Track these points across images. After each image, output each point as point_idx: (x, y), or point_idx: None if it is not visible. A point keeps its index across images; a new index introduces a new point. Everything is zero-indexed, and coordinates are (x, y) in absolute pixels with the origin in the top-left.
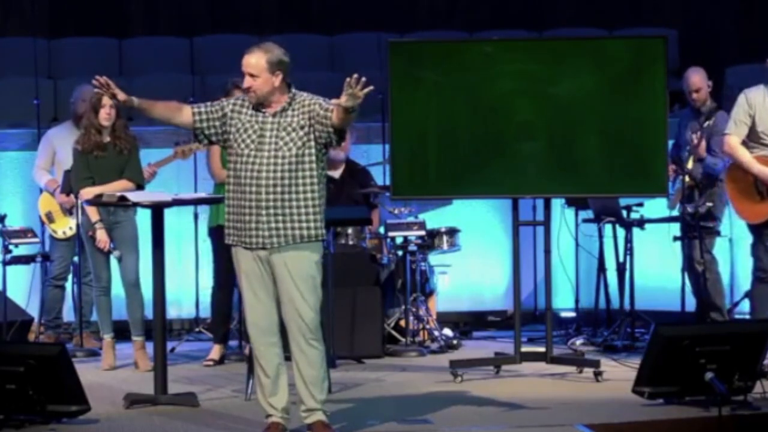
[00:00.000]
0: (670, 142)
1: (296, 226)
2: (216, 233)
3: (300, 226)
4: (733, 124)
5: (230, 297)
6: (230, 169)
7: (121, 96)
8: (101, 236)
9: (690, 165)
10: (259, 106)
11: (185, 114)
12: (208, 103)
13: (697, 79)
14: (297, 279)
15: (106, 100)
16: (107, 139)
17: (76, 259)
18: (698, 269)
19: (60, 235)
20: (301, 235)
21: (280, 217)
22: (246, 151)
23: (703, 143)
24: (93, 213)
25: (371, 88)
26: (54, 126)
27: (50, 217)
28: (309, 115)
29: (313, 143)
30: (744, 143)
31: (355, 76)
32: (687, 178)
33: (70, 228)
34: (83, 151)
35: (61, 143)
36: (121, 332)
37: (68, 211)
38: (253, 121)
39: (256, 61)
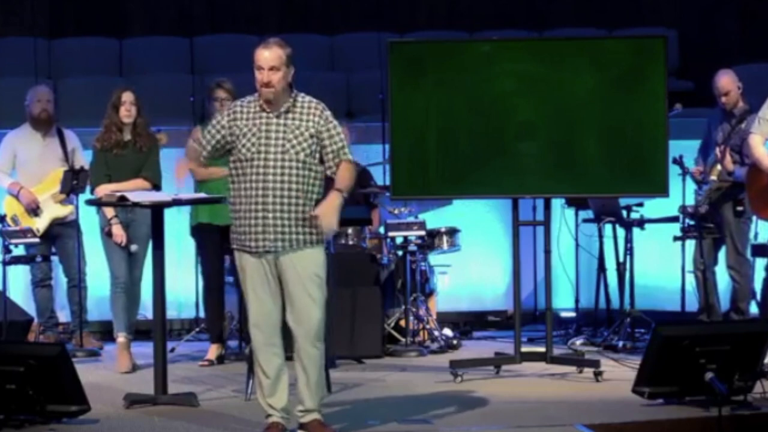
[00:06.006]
0: (671, 143)
1: (301, 231)
2: (198, 231)
3: (304, 231)
4: (757, 122)
5: (221, 297)
6: (235, 174)
7: None
8: (117, 231)
9: (714, 176)
10: (266, 104)
11: (203, 160)
12: (211, 132)
13: (726, 81)
14: (306, 280)
15: (126, 97)
16: (128, 137)
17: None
18: (698, 271)
19: None
20: (305, 240)
21: (287, 221)
22: (249, 155)
23: (728, 157)
24: (108, 209)
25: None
26: (14, 128)
27: (15, 220)
28: (316, 128)
29: (318, 153)
30: None
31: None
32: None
33: (37, 229)
34: (102, 148)
35: (21, 145)
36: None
37: (33, 212)
38: (257, 123)
39: (274, 54)
